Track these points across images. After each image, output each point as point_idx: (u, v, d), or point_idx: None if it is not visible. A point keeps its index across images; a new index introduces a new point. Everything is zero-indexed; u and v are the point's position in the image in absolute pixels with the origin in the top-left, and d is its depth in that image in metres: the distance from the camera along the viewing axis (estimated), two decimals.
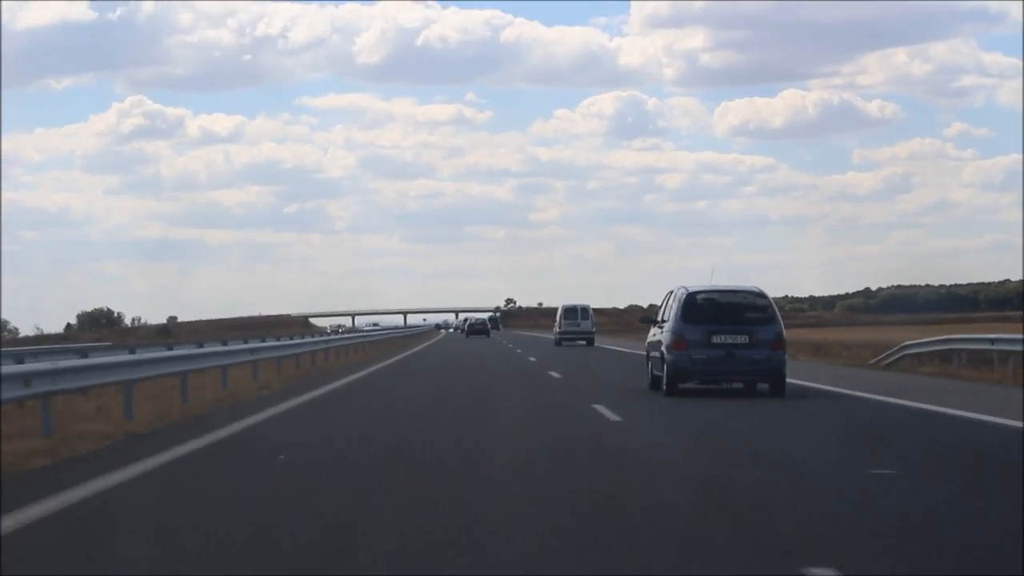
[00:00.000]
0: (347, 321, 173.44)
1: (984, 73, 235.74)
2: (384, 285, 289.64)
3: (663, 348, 22.87)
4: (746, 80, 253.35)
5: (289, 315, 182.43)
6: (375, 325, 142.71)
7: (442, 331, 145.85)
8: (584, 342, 64.12)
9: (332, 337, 48.07)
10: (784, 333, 22.88)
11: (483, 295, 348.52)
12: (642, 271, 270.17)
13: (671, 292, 24.11)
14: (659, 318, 24.48)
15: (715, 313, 22.74)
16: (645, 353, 25.78)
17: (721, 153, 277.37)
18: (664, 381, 22.76)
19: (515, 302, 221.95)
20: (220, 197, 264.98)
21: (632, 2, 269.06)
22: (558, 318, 67.03)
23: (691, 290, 23.17)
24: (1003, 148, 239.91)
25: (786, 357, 22.79)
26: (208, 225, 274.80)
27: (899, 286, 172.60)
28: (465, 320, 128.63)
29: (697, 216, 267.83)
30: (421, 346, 68.58)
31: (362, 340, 54.53)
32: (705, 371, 22.52)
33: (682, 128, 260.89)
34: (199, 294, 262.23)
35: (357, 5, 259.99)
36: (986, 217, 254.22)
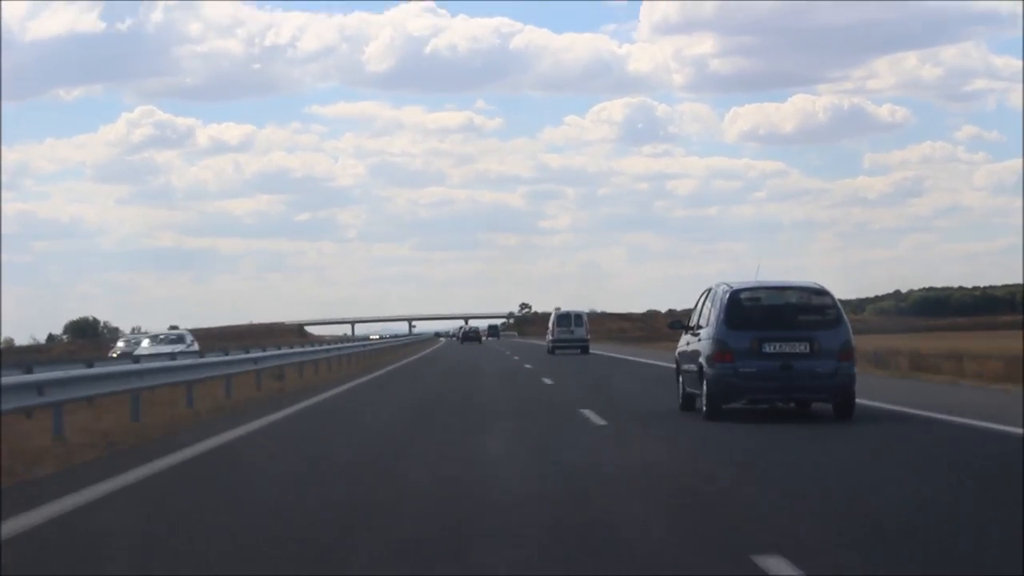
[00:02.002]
0: (380, 329, 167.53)
1: (995, 76, 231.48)
2: (397, 293, 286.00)
3: (701, 360, 18.28)
4: (756, 85, 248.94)
5: (283, 323, 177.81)
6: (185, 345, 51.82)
7: (441, 339, 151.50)
8: (579, 350, 62.05)
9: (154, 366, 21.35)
10: (853, 340, 18.24)
11: (497, 302, 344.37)
12: (655, 278, 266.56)
13: (708, 291, 19.51)
14: (693, 323, 19.89)
15: (766, 316, 18.21)
16: (675, 366, 21.08)
17: (731, 159, 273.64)
18: (703, 401, 18.21)
19: (530, 307, 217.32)
20: (231, 206, 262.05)
21: (641, 8, 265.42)
22: (551, 325, 64.69)
23: (735, 287, 18.57)
24: (1015, 151, 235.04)
25: (855, 370, 18.17)
26: (220, 234, 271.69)
27: (930, 288, 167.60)
28: (460, 328, 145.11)
29: (708, 222, 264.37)
30: (356, 381, 32.85)
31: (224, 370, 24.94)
32: (756, 388, 17.88)
33: (692, 134, 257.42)
34: (212, 303, 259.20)
35: (366, 14, 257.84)
36: (999, 220, 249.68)
